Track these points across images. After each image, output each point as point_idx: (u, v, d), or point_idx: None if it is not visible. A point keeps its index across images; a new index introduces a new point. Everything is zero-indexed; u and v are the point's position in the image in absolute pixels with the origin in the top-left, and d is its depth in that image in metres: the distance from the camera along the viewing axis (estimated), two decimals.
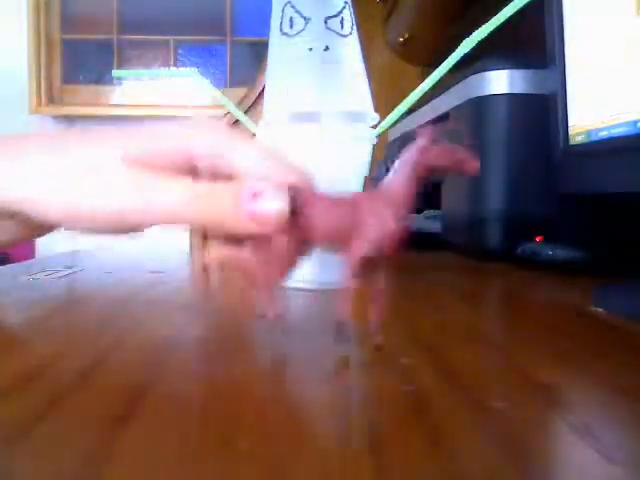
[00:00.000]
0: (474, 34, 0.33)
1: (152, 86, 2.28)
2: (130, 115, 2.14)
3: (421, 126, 0.23)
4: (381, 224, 0.21)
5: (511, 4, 0.32)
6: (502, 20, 0.32)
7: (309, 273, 0.37)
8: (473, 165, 0.23)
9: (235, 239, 0.22)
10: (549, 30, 0.46)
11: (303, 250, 0.22)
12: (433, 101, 0.70)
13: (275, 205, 0.20)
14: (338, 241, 0.21)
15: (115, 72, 0.49)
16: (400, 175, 0.22)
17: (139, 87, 2.30)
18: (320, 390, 0.18)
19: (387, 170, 0.22)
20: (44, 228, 0.26)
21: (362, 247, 0.21)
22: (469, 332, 0.27)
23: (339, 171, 0.36)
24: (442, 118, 0.67)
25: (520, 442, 0.14)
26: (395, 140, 0.89)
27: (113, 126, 0.25)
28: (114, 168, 0.22)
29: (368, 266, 0.22)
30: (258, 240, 0.21)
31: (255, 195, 0.20)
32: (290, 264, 0.22)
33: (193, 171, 0.22)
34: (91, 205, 0.22)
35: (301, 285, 0.37)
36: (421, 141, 0.22)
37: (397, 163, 0.22)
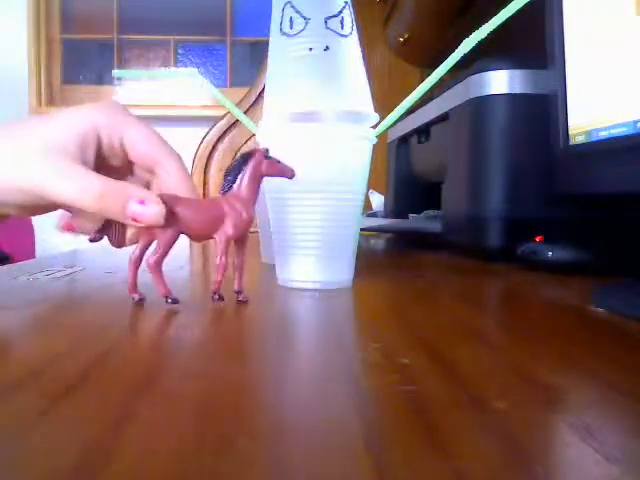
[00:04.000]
0: (474, 34, 0.33)
1: (152, 86, 2.28)
2: None
3: (256, 148, 0.33)
4: (237, 216, 0.31)
5: (511, 4, 0.32)
6: (502, 20, 0.32)
7: (310, 273, 0.37)
8: (290, 173, 0.33)
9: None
10: (549, 30, 0.46)
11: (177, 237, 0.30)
12: (433, 101, 0.70)
13: (153, 210, 0.28)
14: (206, 230, 0.31)
15: (115, 72, 0.49)
16: (245, 181, 0.31)
17: (139, 87, 2.30)
18: (320, 390, 0.18)
19: (234, 179, 0.31)
20: None
21: (227, 233, 0.31)
22: (469, 332, 0.27)
23: (339, 171, 0.36)
24: (443, 118, 0.67)
25: (520, 442, 0.14)
26: (395, 140, 0.89)
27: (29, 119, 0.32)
28: (37, 156, 0.28)
29: (235, 244, 0.32)
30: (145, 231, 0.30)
31: (140, 201, 0.28)
32: (169, 248, 0.30)
33: (99, 146, 0.31)
34: (15, 182, 0.29)
35: (301, 285, 0.37)
36: (258, 157, 0.32)
37: (242, 173, 0.31)
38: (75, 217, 0.31)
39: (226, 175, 0.32)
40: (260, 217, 0.51)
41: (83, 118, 0.31)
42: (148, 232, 0.30)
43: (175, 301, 0.31)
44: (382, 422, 0.16)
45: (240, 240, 0.32)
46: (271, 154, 0.32)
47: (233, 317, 0.31)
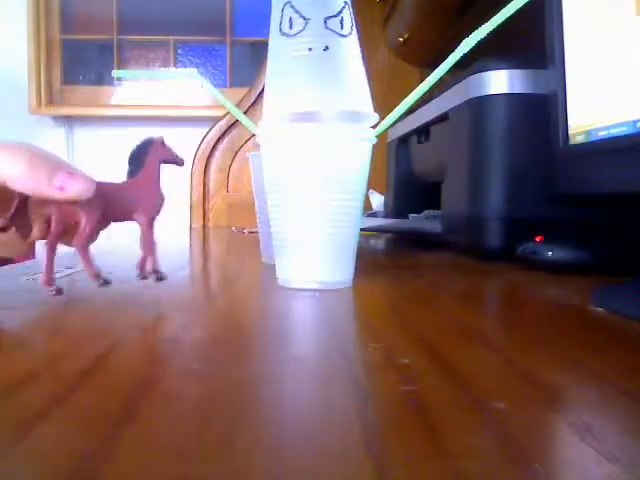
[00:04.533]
0: (474, 34, 0.33)
1: (152, 86, 2.28)
2: (130, 115, 2.14)
3: (153, 136, 0.35)
4: (154, 197, 0.34)
5: (511, 4, 0.32)
6: (502, 20, 0.32)
7: (310, 273, 0.37)
8: (181, 162, 0.36)
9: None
10: (549, 30, 0.46)
11: (106, 221, 0.32)
12: (433, 101, 0.70)
13: (82, 183, 0.29)
14: (126, 212, 0.33)
15: (115, 72, 0.49)
16: (151, 165, 0.34)
17: (139, 87, 2.30)
18: (320, 390, 0.18)
19: (138, 165, 0.34)
20: None
21: (148, 213, 0.33)
22: (469, 332, 0.27)
23: (339, 171, 0.36)
24: (442, 118, 0.67)
25: (520, 442, 0.14)
26: (395, 140, 0.89)
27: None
28: None
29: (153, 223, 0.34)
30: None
31: (69, 175, 0.29)
32: (97, 231, 0.32)
33: None
34: None
35: (302, 285, 0.37)
36: (157, 144, 0.35)
37: (146, 159, 0.34)
38: None
39: (130, 161, 0.34)
40: (260, 217, 0.51)
41: None
42: (64, 218, 0.30)
43: (107, 282, 0.32)
44: (382, 422, 0.16)
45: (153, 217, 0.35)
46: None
47: (233, 317, 0.31)
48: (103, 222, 0.32)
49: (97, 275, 0.32)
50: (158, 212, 0.34)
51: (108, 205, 0.31)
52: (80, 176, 0.29)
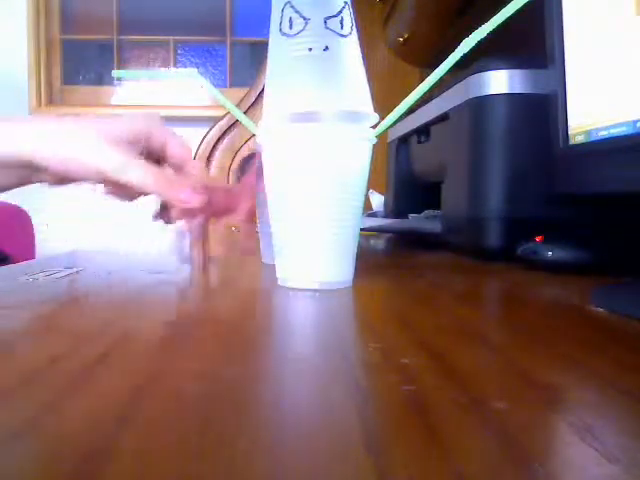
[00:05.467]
0: (474, 34, 0.33)
1: (152, 86, 2.28)
2: None
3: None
4: (248, 201, 0.44)
5: (510, 4, 0.32)
6: (502, 20, 0.32)
7: (310, 273, 0.37)
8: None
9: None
10: (549, 30, 0.46)
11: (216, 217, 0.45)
12: (433, 101, 0.70)
13: (197, 197, 0.40)
14: (227, 210, 0.44)
15: (115, 72, 0.50)
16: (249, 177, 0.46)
17: (139, 88, 2.30)
18: (320, 390, 0.18)
19: (240, 176, 0.48)
20: (40, 176, 0.41)
21: (242, 213, 0.44)
22: (469, 332, 0.27)
23: (339, 171, 0.36)
24: (442, 118, 0.67)
25: (520, 442, 0.14)
26: (395, 140, 0.89)
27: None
28: (99, 140, 0.39)
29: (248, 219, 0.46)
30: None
31: (190, 189, 0.40)
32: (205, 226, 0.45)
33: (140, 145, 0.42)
34: (80, 160, 0.39)
35: (302, 285, 0.37)
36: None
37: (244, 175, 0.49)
38: (111, 188, 0.43)
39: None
40: (260, 217, 0.51)
41: (139, 122, 0.42)
42: (189, 213, 0.43)
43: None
44: (382, 422, 0.16)
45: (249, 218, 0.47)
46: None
47: (233, 317, 0.30)
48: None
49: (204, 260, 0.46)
50: (252, 211, 0.46)
51: (214, 203, 0.43)
52: (196, 192, 0.40)
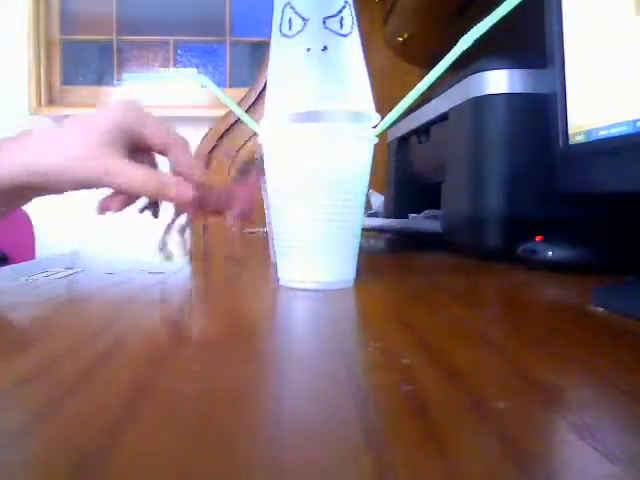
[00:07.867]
0: (471, 31, 0.33)
1: (152, 87, 2.28)
2: None
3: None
4: (246, 199, 0.45)
5: (507, 2, 0.32)
6: (499, 18, 0.32)
7: (311, 273, 0.37)
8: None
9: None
10: (549, 30, 0.46)
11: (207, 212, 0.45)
12: (433, 101, 0.70)
13: (188, 194, 0.41)
14: (223, 207, 0.45)
15: (125, 77, 0.52)
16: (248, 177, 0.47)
17: (139, 88, 2.30)
18: (320, 390, 0.18)
19: (242, 175, 0.52)
20: (39, 192, 0.42)
21: (237, 210, 0.45)
22: (469, 332, 0.27)
23: (340, 171, 0.36)
24: (442, 118, 0.67)
25: (520, 442, 0.14)
26: (395, 140, 0.89)
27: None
28: (84, 148, 0.39)
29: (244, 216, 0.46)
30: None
31: (182, 186, 0.41)
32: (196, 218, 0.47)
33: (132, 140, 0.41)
34: (68, 175, 0.39)
35: (303, 285, 0.37)
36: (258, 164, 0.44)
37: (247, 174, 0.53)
38: (115, 197, 0.42)
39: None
40: (269, 217, 0.52)
41: (118, 115, 0.40)
42: (181, 209, 0.45)
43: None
44: (382, 422, 0.16)
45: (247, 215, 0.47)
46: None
47: (234, 317, 0.30)
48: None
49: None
50: (250, 208, 0.46)
51: (208, 200, 0.44)
52: (187, 189, 0.41)
